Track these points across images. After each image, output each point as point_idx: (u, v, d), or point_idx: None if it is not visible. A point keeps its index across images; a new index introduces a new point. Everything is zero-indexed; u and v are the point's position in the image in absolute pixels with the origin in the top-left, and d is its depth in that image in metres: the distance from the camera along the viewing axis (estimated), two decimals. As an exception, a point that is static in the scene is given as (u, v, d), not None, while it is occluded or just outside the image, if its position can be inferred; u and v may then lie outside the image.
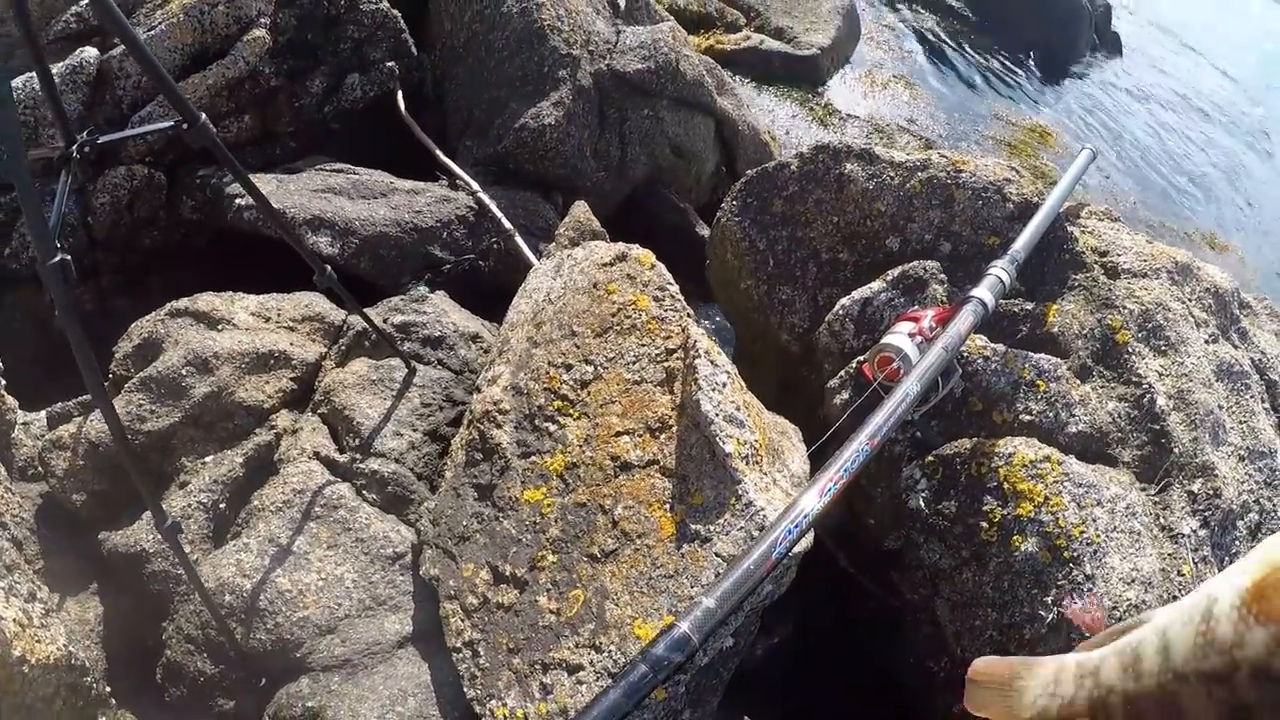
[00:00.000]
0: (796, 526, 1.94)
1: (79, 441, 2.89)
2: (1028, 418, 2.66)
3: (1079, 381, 2.75)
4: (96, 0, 1.80)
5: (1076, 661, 1.26)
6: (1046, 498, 2.46)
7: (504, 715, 2.21)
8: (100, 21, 3.93)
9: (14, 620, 2.05)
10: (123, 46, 3.75)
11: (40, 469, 2.97)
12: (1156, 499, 2.59)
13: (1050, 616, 2.37)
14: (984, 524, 2.52)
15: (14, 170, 1.56)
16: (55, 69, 3.74)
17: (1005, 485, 2.51)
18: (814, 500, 1.98)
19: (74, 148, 1.96)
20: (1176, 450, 2.63)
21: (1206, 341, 2.93)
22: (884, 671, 2.91)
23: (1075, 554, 2.38)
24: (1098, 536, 2.41)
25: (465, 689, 2.32)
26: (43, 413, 3.19)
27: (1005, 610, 2.45)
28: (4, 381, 2.95)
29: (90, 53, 3.88)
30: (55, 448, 2.94)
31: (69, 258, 1.66)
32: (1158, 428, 2.67)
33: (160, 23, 3.97)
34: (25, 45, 1.85)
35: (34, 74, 3.40)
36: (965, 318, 2.51)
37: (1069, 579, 2.37)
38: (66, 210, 3.63)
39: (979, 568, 2.52)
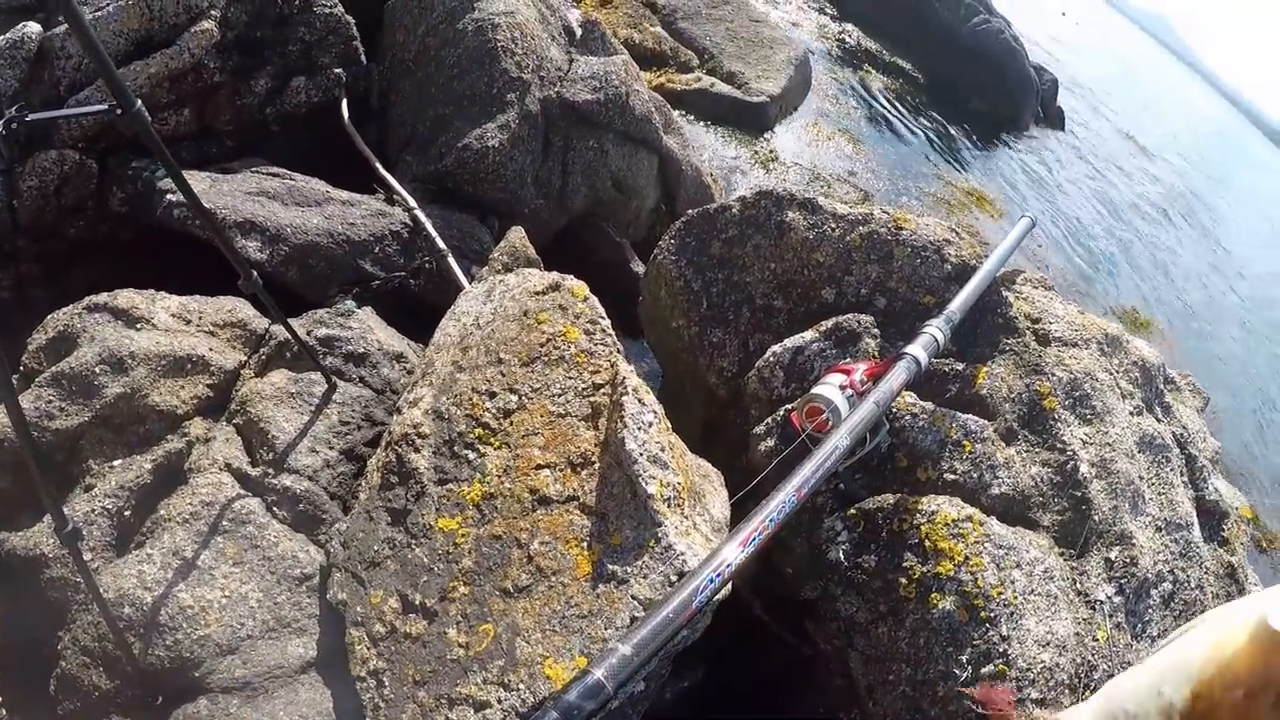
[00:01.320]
0: (718, 575, 1.91)
1: (-20, 436, 2.76)
2: (952, 476, 2.68)
3: (1005, 444, 2.78)
4: None
5: None
6: (967, 557, 2.47)
7: (404, 750, 2.16)
8: None
9: None
10: (65, 25, 3.68)
11: (-63, 463, 2.83)
12: (1075, 564, 2.62)
13: (964, 675, 2.37)
14: (903, 580, 2.52)
15: None
16: None
17: (927, 543, 2.52)
18: (737, 550, 1.97)
19: (2, 123, 1.88)
20: (1096, 517, 2.67)
21: (1131, 413, 2.98)
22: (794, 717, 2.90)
23: (992, 614, 2.40)
24: (1015, 598, 2.42)
25: (367, 719, 2.26)
26: None
27: (920, 667, 2.45)
28: None
29: (32, 28, 3.76)
30: (-46, 443, 2.81)
31: None
32: (1079, 494, 2.71)
33: (108, 3, 3.86)
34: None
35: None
36: (898, 374, 2.52)
37: (985, 639, 2.38)
38: None
39: (895, 623, 2.52)
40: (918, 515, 2.57)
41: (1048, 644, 2.39)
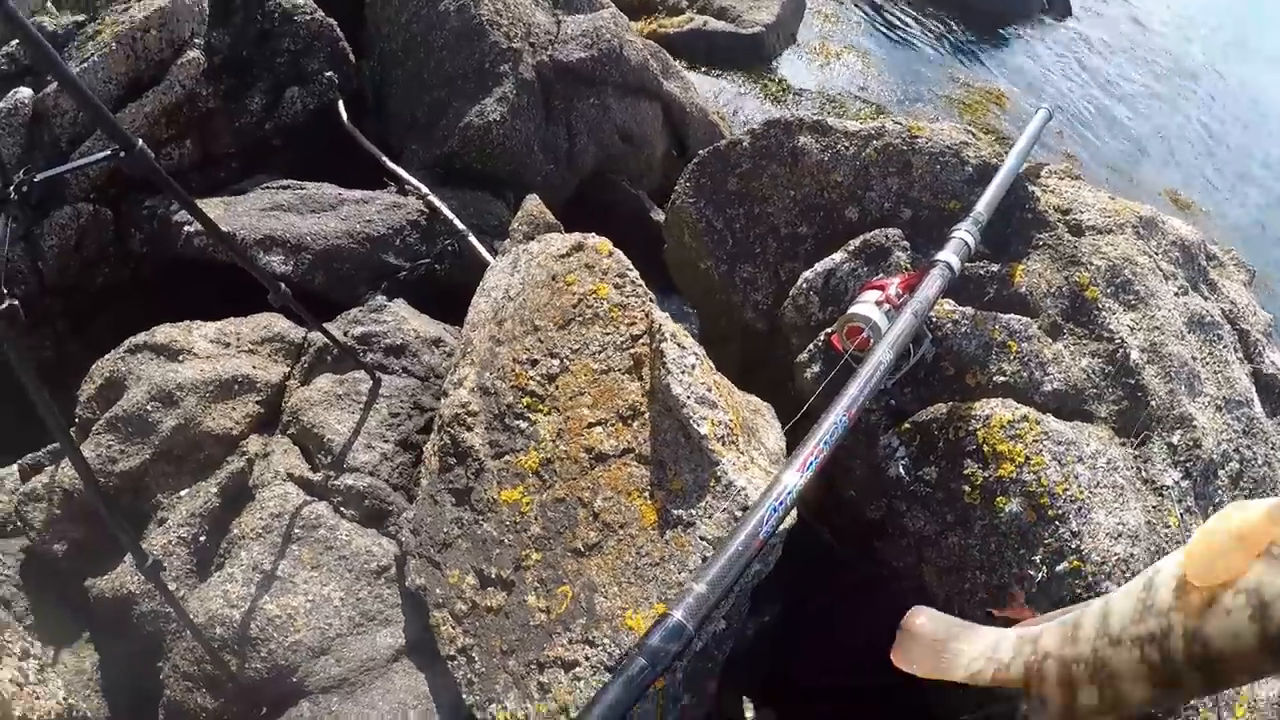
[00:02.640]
0: (781, 504, 1.93)
1: (53, 491, 2.85)
2: (1001, 379, 2.65)
3: (1050, 340, 2.75)
4: (24, 34, 1.76)
5: (1018, 632, 1.33)
6: (1027, 457, 2.45)
7: (505, 718, 2.20)
8: (35, 60, 3.88)
9: (10, 680, 2.07)
10: (55, 84, 3.75)
11: (18, 523, 2.93)
12: (1136, 453, 2.60)
13: (1040, 576, 2.37)
14: (966, 488, 2.51)
15: None
16: None
17: (985, 447, 2.50)
18: (796, 476, 1.98)
19: (11, 189, 1.91)
20: (1153, 403, 2.64)
21: (1176, 294, 2.93)
22: (874, 641, 2.90)
23: (1060, 512, 2.38)
24: (1081, 493, 2.40)
25: (464, 695, 2.31)
26: (14, 466, 3.16)
27: (994, 572, 2.45)
28: None
29: (24, 93, 3.82)
30: (30, 500, 2.91)
31: (16, 303, 1.63)
32: (1133, 382, 2.67)
33: (93, 54, 3.90)
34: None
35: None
36: (933, 282, 2.50)
37: (1055, 537, 2.37)
38: (15, 258, 3.67)
39: (964, 532, 2.51)
40: (972, 421, 2.55)
41: (1119, 535, 2.37)
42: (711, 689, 2.42)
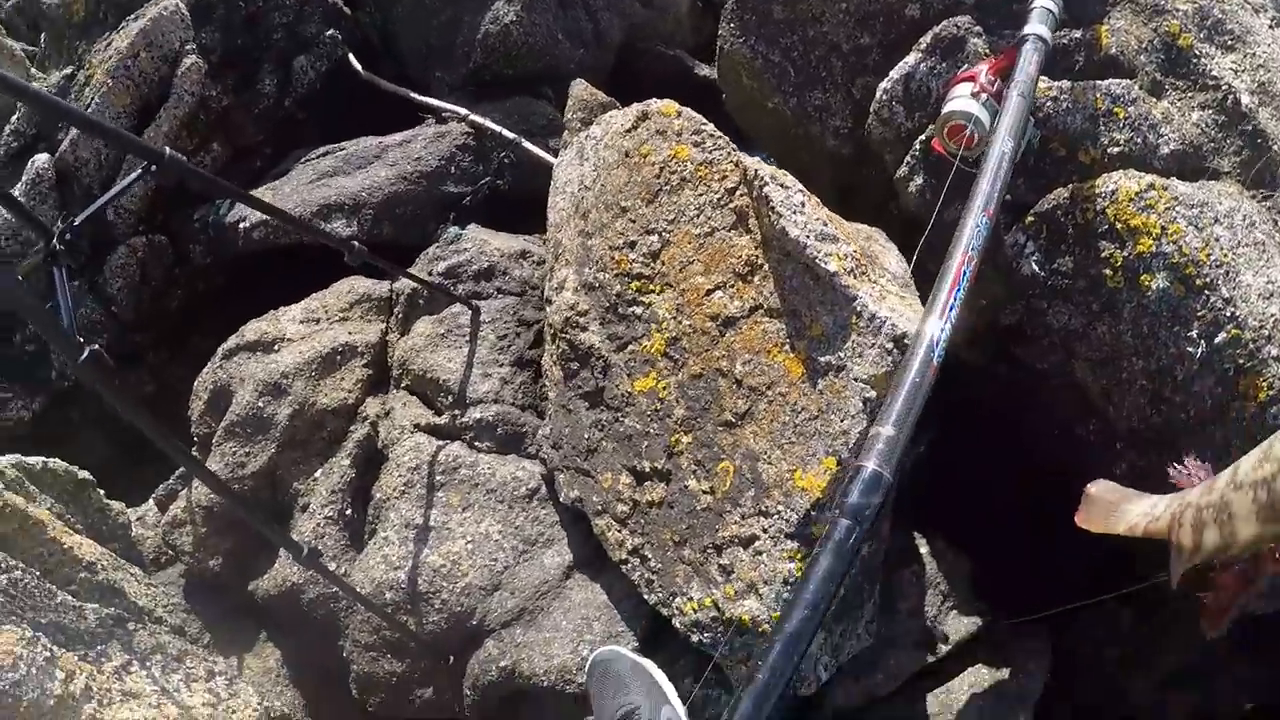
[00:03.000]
0: (947, 320, 1.82)
1: (194, 512, 2.89)
2: (1116, 149, 2.49)
3: (1155, 99, 2.57)
4: (21, 92, 1.77)
5: (1177, 494, 1.54)
6: (1163, 227, 2.30)
7: (693, 610, 2.16)
8: (43, 119, 3.92)
9: (203, 704, 2.11)
10: (67, 139, 3.80)
11: (170, 552, 2.99)
12: (1270, 204, 2.45)
13: (1199, 351, 2.25)
14: (1107, 271, 2.36)
15: (5, 294, 1.54)
16: (16, 189, 3.71)
17: (1117, 224, 2.35)
18: (954, 289, 1.87)
19: (55, 240, 1.91)
20: (1276, 146, 2.47)
21: (1271, 27, 2.74)
22: (1031, 450, 2.80)
23: (1208, 279, 2.24)
24: (1225, 256, 2.26)
25: (645, 596, 2.28)
26: (150, 501, 3.22)
27: (1150, 356, 2.32)
28: (102, 491, 2.95)
29: (42, 159, 3.82)
30: (175, 527, 2.95)
31: (97, 347, 1.62)
32: (1250, 128, 2.50)
33: (93, 97, 3.89)
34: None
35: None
36: (1030, 57, 2.32)
37: (1208, 307, 2.23)
38: (90, 311, 3.74)
39: (1113, 319, 2.38)
40: (1098, 200, 2.39)
41: (1271, 294, 2.23)
42: (885, 531, 2.36)
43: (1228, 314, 2.21)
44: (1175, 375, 2.28)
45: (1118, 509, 1.69)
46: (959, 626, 2.58)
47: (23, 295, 1.55)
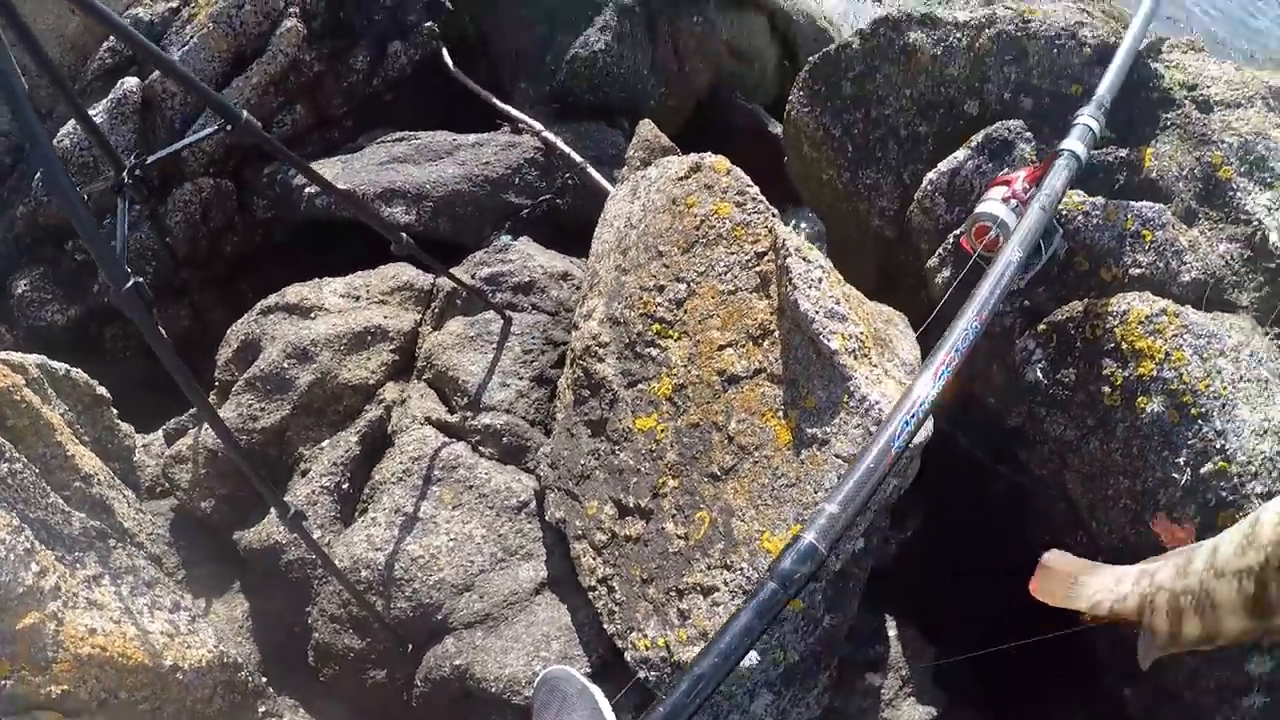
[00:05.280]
0: (913, 416, 1.86)
1: (197, 452, 2.97)
2: (1137, 271, 2.53)
3: (1185, 226, 2.60)
4: (119, 30, 1.84)
5: (1140, 569, 1.49)
6: (1167, 353, 2.33)
7: (645, 646, 2.22)
8: (136, 50, 4.01)
9: (161, 632, 2.14)
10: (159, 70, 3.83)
11: (166, 484, 3.07)
12: (1280, 342, 2.46)
13: (1184, 479, 2.26)
14: (1106, 389, 2.40)
15: (68, 210, 1.58)
16: (100, 105, 3.83)
17: (1123, 345, 2.39)
18: (928, 386, 1.90)
19: (125, 173, 1.99)
20: (1297, 288, 2.49)
21: (1313, 168, 2.75)
22: (1019, 553, 2.82)
23: (1203, 409, 2.26)
24: (1224, 389, 2.28)
25: (605, 625, 2.34)
26: (160, 432, 3.30)
27: (1137, 477, 2.34)
28: (115, 411, 3.04)
29: (131, 82, 3.95)
30: (176, 462, 3.04)
31: (141, 280, 1.67)
32: (1274, 265, 2.52)
33: (192, 36, 4.01)
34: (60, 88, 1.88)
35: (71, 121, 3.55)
36: (1059, 173, 2.38)
37: (1199, 437, 2.25)
38: (146, 237, 3.86)
39: (1106, 435, 2.41)
40: (1109, 318, 2.43)
41: (1265, 433, 2.23)
42: (854, 607, 2.40)
43: (1218, 445, 2.23)
44: (1158, 499, 2.31)
45: (1076, 582, 1.66)
46: (914, 714, 2.60)
47: (85, 213, 1.59)
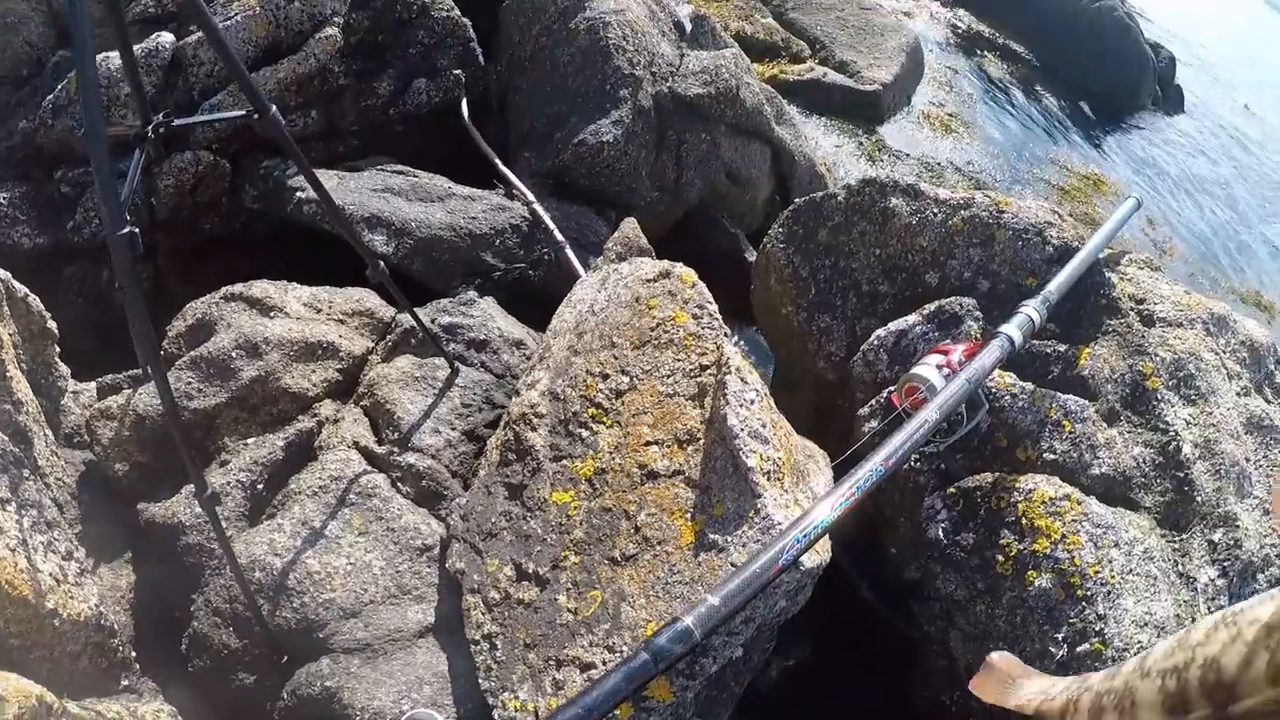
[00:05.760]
0: (805, 535, 1.99)
1: (126, 413, 2.97)
2: (1051, 456, 2.68)
3: (1106, 424, 2.76)
4: None
5: (1078, 676, 1.51)
6: (1064, 535, 2.47)
7: (515, 707, 2.26)
8: (182, 8, 4.08)
9: (50, 575, 2.13)
10: (199, 34, 3.94)
11: (86, 437, 3.05)
12: (1176, 546, 2.60)
13: (1060, 653, 2.38)
14: (1000, 557, 2.53)
15: (92, 145, 1.61)
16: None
17: (1024, 520, 2.53)
18: (825, 512, 2.04)
19: (150, 127, 2.04)
20: (1199, 499, 2.64)
21: (1239, 394, 2.93)
22: (900, 704, 2.92)
23: (1089, 593, 2.39)
24: (1113, 577, 2.42)
25: (480, 680, 2.37)
26: (93, 383, 3.28)
27: (1016, 644, 2.46)
28: (58, 349, 3.04)
29: (166, 38, 4.01)
30: (102, 417, 3.02)
31: (137, 230, 1.69)
32: (1181, 475, 2.68)
33: (236, 14, 4.10)
34: (110, 24, 1.92)
35: (111, 53, 3.57)
36: (991, 352, 2.55)
37: (1080, 617, 2.38)
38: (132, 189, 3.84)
39: (993, 600, 2.54)
40: (1015, 493, 2.58)
41: (1145, 624, 2.37)
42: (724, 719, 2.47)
43: (1097, 628, 2.35)
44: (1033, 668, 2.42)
45: (1014, 683, 1.73)
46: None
47: (106, 150, 1.61)
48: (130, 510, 2.88)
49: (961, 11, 13.37)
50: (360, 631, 2.55)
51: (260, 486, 2.83)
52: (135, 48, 3.79)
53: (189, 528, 2.73)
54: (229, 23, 4.08)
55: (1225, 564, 2.57)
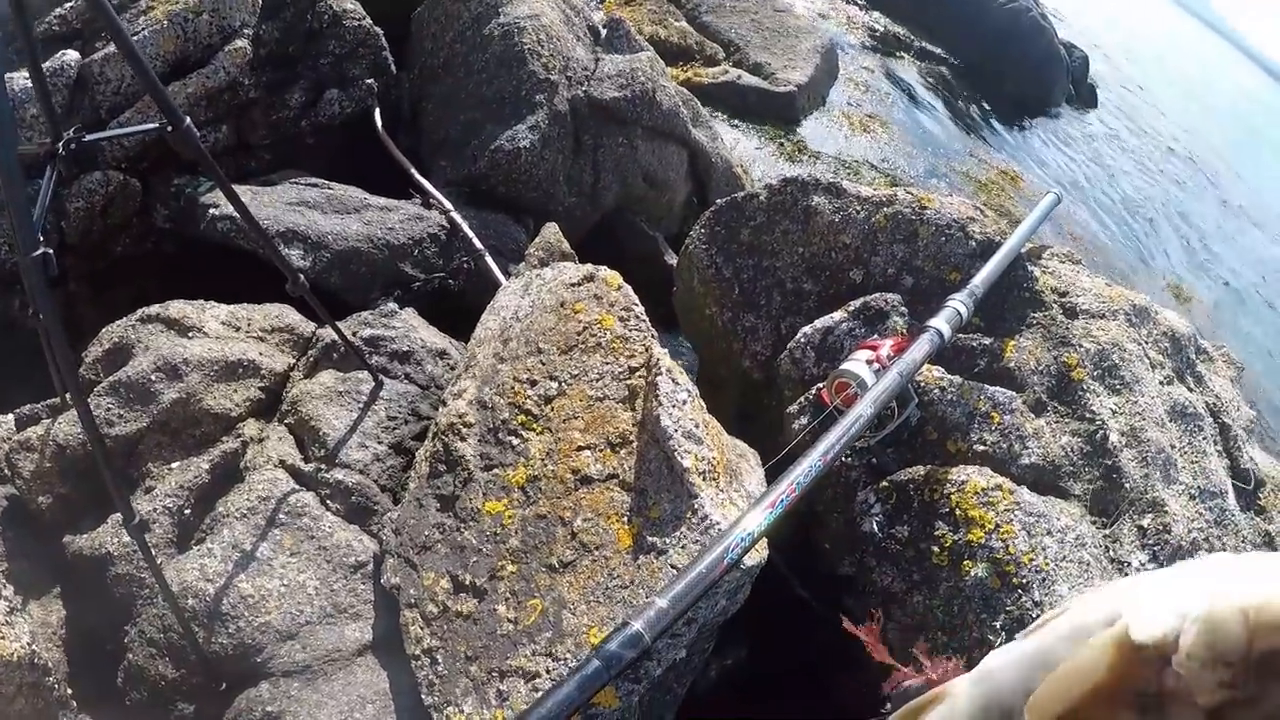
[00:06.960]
0: (749, 535, 2.00)
1: (46, 444, 2.89)
2: (981, 448, 2.72)
3: (1034, 415, 2.82)
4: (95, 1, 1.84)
5: None
6: (997, 525, 2.51)
7: (459, 722, 2.25)
8: (90, 23, 3.97)
9: None
10: (103, 51, 3.83)
11: (7, 470, 2.96)
12: (1106, 532, 2.65)
13: (999, 641, 2.41)
14: (935, 549, 2.57)
15: (3, 165, 1.56)
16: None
17: (957, 511, 2.57)
18: (764, 512, 2.05)
19: (61, 144, 1.99)
20: (1127, 485, 2.70)
21: (1162, 383, 3.01)
22: (837, 698, 2.94)
23: (1024, 580, 2.44)
24: (1046, 565, 2.46)
25: (423, 696, 2.35)
26: (10, 415, 3.16)
27: (954, 635, 2.50)
28: None
29: (71, 55, 3.91)
30: (22, 449, 2.93)
31: (50, 251, 1.64)
32: (1109, 463, 2.74)
33: (144, 29, 4.01)
34: (15, 41, 1.86)
35: (15, 74, 3.44)
36: (921, 346, 2.59)
37: (1017, 605, 2.42)
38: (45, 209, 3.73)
39: (929, 591, 2.57)
40: (948, 485, 2.62)
41: None
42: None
43: (1033, 615, 2.38)
44: (974, 657, 2.43)
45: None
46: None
47: (19, 174, 1.57)
48: (56, 544, 2.80)
49: (878, 14, 13.63)
50: (298, 653, 2.51)
51: (188, 511, 2.77)
52: (44, 66, 3.73)
53: (117, 557, 2.66)
54: (136, 38, 3.98)
55: (1155, 549, 2.63)
